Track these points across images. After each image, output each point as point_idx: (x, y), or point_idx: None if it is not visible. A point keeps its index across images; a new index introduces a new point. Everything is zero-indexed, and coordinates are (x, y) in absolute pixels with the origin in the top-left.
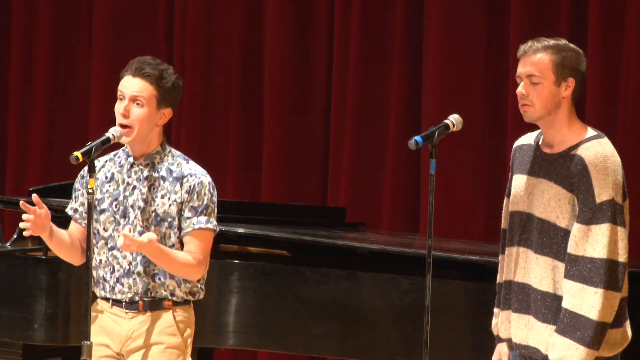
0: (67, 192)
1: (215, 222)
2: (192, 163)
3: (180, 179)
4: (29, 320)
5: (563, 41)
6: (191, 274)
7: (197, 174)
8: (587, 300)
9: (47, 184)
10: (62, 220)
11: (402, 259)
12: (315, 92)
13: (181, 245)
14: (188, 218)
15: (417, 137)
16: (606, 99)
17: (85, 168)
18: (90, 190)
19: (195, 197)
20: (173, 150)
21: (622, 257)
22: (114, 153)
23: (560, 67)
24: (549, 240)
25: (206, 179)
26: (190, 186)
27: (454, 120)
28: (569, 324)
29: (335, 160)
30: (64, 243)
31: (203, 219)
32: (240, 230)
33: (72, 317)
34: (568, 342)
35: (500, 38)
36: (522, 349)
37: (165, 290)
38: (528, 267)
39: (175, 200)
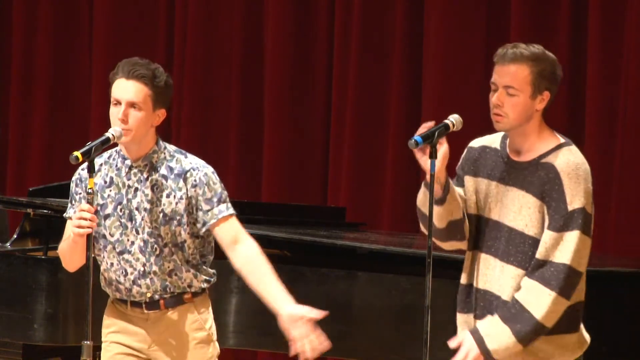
0: (67, 192)
1: (232, 208)
2: (190, 157)
3: (182, 175)
4: (29, 320)
5: (540, 49)
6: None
7: (199, 167)
8: (538, 300)
9: (47, 184)
10: (63, 220)
11: (402, 259)
12: (316, 92)
13: (195, 240)
14: (208, 210)
15: (417, 137)
16: (606, 100)
17: (80, 172)
18: (90, 190)
19: (205, 189)
20: (168, 145)
21: (582, 267)
22: (107, 155)
23: (537, 80)
24: (515, 248)
25: (208, 169)
26: (195, 180)
27: (454, 120)
28: (514, 315)
29: (335, 160)
30: (79, 248)
31: (223, 206)
32: None
33: (72, 317)
34: (505, 328)
35: (500, 38)
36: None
37: (183, 284)
38: (491, 274)
39: (181, 197)
